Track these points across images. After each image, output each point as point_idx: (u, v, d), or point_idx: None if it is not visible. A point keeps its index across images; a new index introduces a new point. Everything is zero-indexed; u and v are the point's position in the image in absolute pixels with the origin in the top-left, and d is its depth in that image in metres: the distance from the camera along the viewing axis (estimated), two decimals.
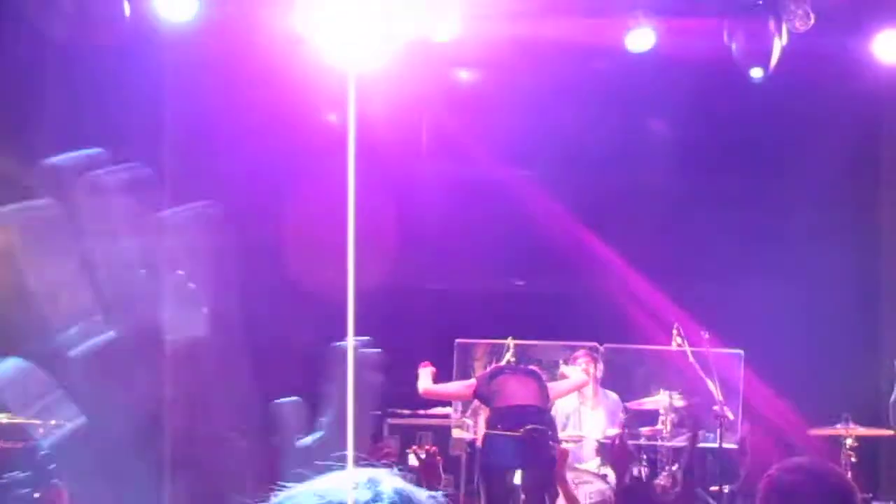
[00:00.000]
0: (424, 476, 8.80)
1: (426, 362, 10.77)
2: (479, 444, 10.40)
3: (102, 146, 1.43)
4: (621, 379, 12.07)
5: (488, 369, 10.50)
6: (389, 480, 1.51)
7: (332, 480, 1.52)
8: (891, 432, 9.71)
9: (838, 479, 3.79)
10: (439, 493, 1.56)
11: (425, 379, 10.72)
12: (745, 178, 11.55)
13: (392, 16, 10.01)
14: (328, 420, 2.19)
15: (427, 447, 11.66)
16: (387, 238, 10.38)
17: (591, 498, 10.34)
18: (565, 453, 9.73)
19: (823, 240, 12.15)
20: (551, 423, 10.16)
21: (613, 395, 11.69)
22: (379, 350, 2.31)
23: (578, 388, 11.36)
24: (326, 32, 9.92)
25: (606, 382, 11.88)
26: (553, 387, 10.66)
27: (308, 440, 2.08)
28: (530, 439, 9.75)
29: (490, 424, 10.08)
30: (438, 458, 10.86)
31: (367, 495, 1.47)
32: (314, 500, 1.49)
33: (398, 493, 1.50)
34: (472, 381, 10.64)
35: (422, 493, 1.53)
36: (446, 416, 11.96)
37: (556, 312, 12.33)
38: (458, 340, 11.65)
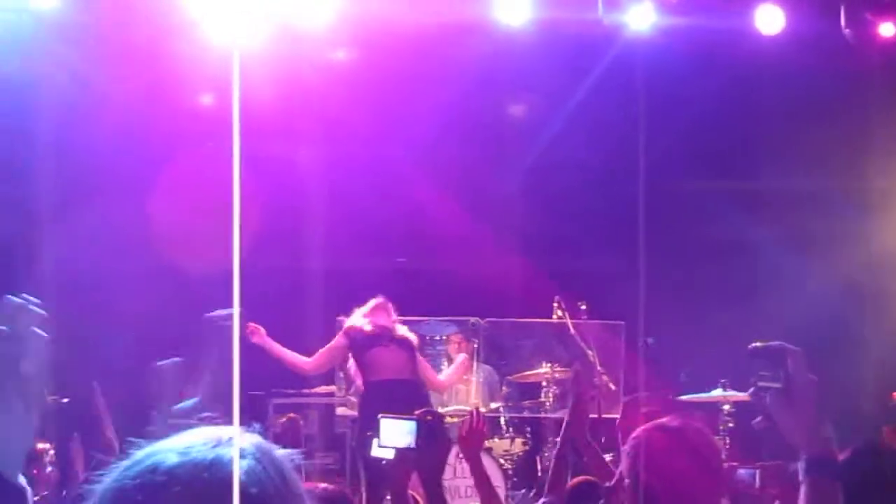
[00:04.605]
0: (284, 442, 8.76)
1: (252, 325, 9.81)
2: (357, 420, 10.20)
3: None
4: (504, 352, 12.17)
5: (360, 327, 10.22)
6: (248, 437, 1.56)
7: (192, 437, 1.55)
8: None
9: (700, 436, 3.89)
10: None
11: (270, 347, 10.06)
12: (618, 152, 11.62)
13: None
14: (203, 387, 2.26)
15: (288, 415, 11.60)
16: (268, 218, 10.31)
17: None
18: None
19: (700, 212, 12.34)
20: (426, 399, 10.14)
21: (487, 368, 11.82)
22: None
23: (468, 368, 11.44)
24: (208, 8, 9.80)
25: (489, 357, 12.00)
26: (444, 377, 10.75)
27: (188, 404, 2.15)
28: (425, 422, 9.56)
29: (365, 400, 9.92)
30: (300, 422, 10.75)
31: (230, 452, 1.50)
32: (175, 456, 1.51)
33: (258, 448, 1.55)
34: (341, 337, 10.33)
35: (279, 449, 1.60)
36: (331, 395, 11.94)
37: (438, 288, 12.38)
38: (340, 318, 11.62)
